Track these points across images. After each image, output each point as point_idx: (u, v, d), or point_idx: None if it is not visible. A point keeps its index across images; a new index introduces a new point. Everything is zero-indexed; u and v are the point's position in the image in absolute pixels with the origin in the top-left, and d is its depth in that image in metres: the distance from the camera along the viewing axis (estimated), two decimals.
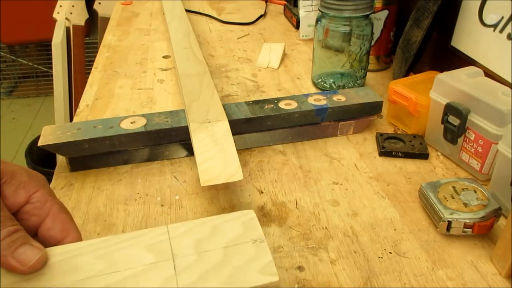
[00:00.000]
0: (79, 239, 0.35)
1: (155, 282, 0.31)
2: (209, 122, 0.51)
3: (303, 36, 0.92)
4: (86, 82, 0.76)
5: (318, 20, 0.67)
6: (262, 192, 0.50)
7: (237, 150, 0.48)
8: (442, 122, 0.52)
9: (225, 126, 0.50)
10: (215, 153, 0.47)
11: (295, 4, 1.00)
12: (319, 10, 0.66)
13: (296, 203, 0.48)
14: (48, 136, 0.51)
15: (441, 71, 0.55)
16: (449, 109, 0.51)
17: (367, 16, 0.64)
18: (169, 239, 0.34)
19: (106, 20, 1.13)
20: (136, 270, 0.31)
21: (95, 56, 0.86)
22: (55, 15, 1.43)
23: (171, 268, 0.32)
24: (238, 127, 0.54)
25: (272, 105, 0.57)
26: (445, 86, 0.51)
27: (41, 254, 0.31)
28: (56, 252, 0.32)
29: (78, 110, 0.66)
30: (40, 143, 0.50)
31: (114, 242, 0.33)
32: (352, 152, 0.57)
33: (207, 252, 0.33)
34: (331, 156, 0.56)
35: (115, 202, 0.49)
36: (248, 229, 0.35)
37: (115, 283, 0.30)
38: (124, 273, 0.31)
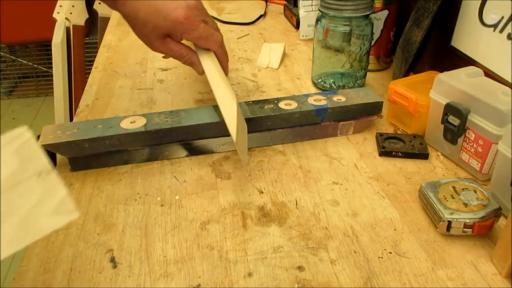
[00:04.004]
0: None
1: None
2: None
3: (303, 36, 0.92)
4: (86, 82, 0.76)
5: (318, 20, 0.67)
6: (262, 192, 0.50)
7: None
8: (442, 122, 0.52)
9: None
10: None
11: (295, 4, 1.00)
12: (319, 10, 0.66)
13: (296, 203, 0.48)
14: (48, 136, 0.51)
15: (441, 71, 0.55)
16: (449, 109, 0.51)
17: (367, 16, 0.64)
18: None
19: (106, 20, 1.13)
20: None
21: (95, 56, 0.86)
22: (55, 15, 1.43)
23: None
24: None
25: (272, 105, 0.57)
26: (445, 86, 0.51)
27: None
28: None
29: (78, 110, 0.66)
30: (40, 143, 0.50)
31: None
32: (352, 152, 0.57)
33: None
34: (331, 156, 0.56)
35: (115, 202, 0.49)
36: (27, 158, 0.27)
37: None
38: None
